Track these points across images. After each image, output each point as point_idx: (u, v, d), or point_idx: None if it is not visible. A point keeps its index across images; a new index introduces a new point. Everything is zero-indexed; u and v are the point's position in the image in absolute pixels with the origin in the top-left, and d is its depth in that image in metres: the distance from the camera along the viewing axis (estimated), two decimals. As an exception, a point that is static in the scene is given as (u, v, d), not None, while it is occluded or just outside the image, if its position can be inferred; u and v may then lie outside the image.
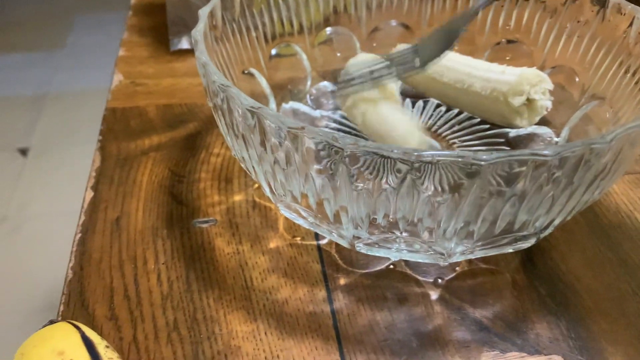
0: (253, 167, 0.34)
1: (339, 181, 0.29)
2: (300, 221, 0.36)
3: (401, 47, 0.49)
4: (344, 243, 0.34)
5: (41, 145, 1.83)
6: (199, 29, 0.36)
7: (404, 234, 0.31)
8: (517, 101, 0.43)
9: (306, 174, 0.30)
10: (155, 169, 0.43)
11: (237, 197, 0.41)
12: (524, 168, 0.27)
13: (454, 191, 0.28)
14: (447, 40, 0.41)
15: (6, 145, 1.81)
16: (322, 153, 0.28)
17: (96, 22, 2.45)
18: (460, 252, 0.33)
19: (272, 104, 0.47)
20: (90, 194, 0.41)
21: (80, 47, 2.31)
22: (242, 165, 0.36)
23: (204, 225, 0.39)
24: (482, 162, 0.26)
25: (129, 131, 0.47)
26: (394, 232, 0.31)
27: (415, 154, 0.26)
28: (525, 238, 0.33)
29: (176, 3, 0.56)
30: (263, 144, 0.31)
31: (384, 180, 0.28)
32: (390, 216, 0.30)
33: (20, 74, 2.17)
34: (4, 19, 2.45)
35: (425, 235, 0.31)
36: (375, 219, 0.31)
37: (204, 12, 0.38)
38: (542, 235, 0.33)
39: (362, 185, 0.29)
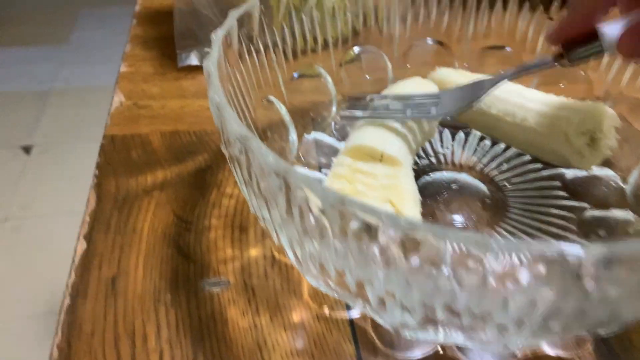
0: (275, 230, 0.28)
1: (392, 265, 0.23)
2: (331, 294, 0.30)
3: (439, 72, 0.43)
4: (385, 325, 0.28)
5: (45, 143, 1.78)
6: (213, 59, 0.30)
7: (466, 324, 0.26)
8: (580, 141, 0.37)
9: (347, 251, 0.24)
10: (158, 213, 0.37)
11: (253, 252, 0.35)
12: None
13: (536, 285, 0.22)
14: (468, 98, 0.36)
15: (9, 143, 1.76)
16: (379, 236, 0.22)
17: (101, 17, 2.40)
18: (526, 342, 0.27)
19: (293, 134, 0.41)
20: (82, 246, 0.35)
21: (84, 42, 2.26)
22: (261, 224, 0.30)
23: (215, 289, 0.33)
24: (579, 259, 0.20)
25: (129, 164, 0.41)
26: (453, 324, 0.26)
27: (495, 244, 0.20)
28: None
29: (184, 13, 0.50)
30: (290, 210, 0.25)
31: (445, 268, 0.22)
32: (453, 308, 0.24)
33: (23, 69, 2.12)
34: (7, 14, 2.40)
35: (493, 330, 0.25)
36: (432, 308, 0.25)
37: (218, 36, 0.32)
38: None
39: (420, 270, 0.23)
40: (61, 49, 2.25)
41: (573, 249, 0.20)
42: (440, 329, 0.27)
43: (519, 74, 0.35)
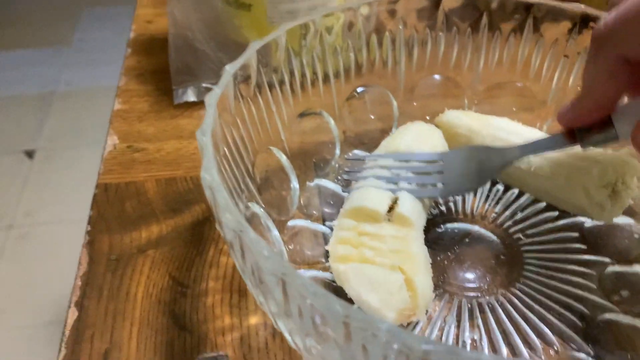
0: (274, 319, 0.26)
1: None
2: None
3: (448, 115, 0.41)
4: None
5: (48, 147, 1.77)
6: (206, 130, 0.28)
7: None
8: (601, 193, 0.34)
9: (351, 355, 0.22)
10: (153, 276, 0.36)
11: (253, 320, 0.33)
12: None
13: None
14: (477, 179, 0.35)
15: (12, 148, 1.75)
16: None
17: (103, 17, 2.37)
18: None
19: (294, 182, 0.39)
20: (74, 314, 0.33)
21: (87, 43, 2.24)
22: (257, 303, 0.28)
23: (213, 365, 0.31)
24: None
25: (123, 218, 0.39)
26: None
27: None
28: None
29: (180, 48, 0.48)
30: (289, 308, 0.23)
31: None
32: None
33: (25, 72, 2.10)
34: (8, 15, 2.38)
35: None
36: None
37: (212, 99, 0.30)
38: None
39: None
40: (63, 51, 2.23)
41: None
42: None
43: (529, 152, 0.34)
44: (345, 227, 0.33)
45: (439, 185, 0.34)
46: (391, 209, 0.34)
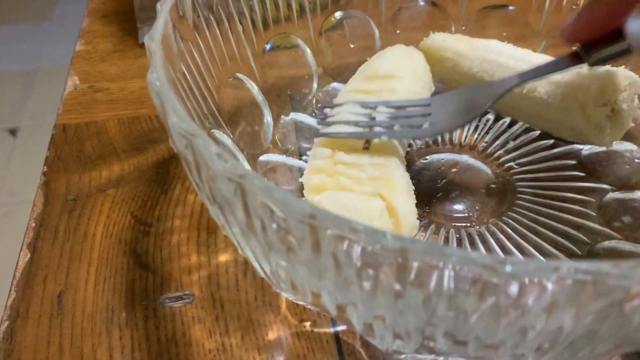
0: (237, 242, 0.23)
1: (378, 289, 0.18)
2: (312, 308, 0.25)
3: (433, 38, 0.38)
4: (375, 344, 0.24)
5: (32, 125, 1.72)
6: (156, 34, 0.24)
7: (473, 354, 0.21)
8: (600, 113, 0.32)
9: (321, 271, 0.19)
10: (113, 215, 0.32)
11: (223, 257, 0.30)
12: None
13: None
14: (465, 114, 0.29)
15: (-6, 126, 1.71)
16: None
17: (84, -10, 2.30)
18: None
19: (268, 116, 0.36)
20: (25, 256, 0.30)
21: (68, 18, 2.17)
22: (222, 232, 0.25)
23: (177, 305, 0.28)
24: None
25: (82, 158, 0.36)
26: (457, 352, 0.21)
27: (511, 268, 0.15)
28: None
29: (144, -18, 0.44)
30: (251, 222, 0.20)
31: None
32: (458, 337, 0.19)
33: (6, 48, 2.04)
34: (-15, -10, 2.31)
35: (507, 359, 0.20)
36: (431, 336, 0.20)
37: (165, 6, 0.26)
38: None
39: (413, 296, 0.18)
40: (44, 26, 2.17)
41: (615, 271, 0.15)
42: (442, 358, 0.22)
43: (529, 79, 0.29)
44: (320, 156, 0.30)
45: (426, 125, 0.30)
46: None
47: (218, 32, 0.32)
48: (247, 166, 0.32)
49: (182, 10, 0.28)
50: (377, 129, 0.30)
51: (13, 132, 1.68)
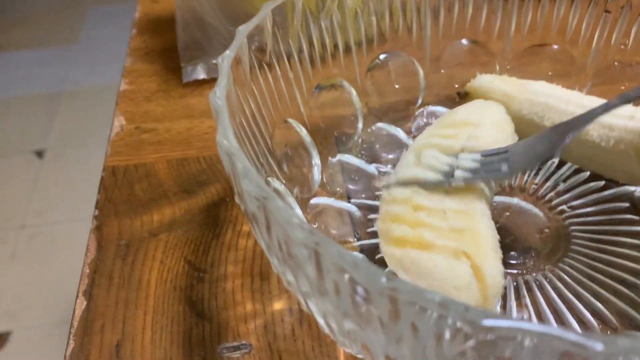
0: (304, 300, 0.23)
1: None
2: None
3: (480, 80, 0.38)
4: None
5: (58, 146, 1.76)
6: (221, 93, 0.25)
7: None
8: (655, 157, 0.31)
9: (400, 340, 0.19)
10: (167, 261, 0.33)
11: (277, 305, 0.30)
12: None
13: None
14: (546, 149, 0.28)
15: (21, 148, 1.74)
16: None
17: (110, 14, 2.35)
18: None
19: (316, 158, 0.36)
20: (82, 304, 0.31)
21: (94, 41, 2.22)
22: (284, 284, 0.25)
23: (235, 355, 0.28)
24: None
25: (133, 201, 0.36)
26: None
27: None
28: None
29: (188, 23, 0.45)
30: (323, 285, 0.20)
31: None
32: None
33: (33, 72, 2.09)
34: (14, 16, 2.37)
35: None
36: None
37: (225, 62, 0.27)
38: None
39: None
40: (71, 49, 2.21)
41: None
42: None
43: (614, 107, 0.28)
44: (397, 200, 0.29)
45: (504, 168, 0.29)
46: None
47: (270, 77, 0.32)
48: (299, 211, 0.32)
49: (240, 60, 0.29)
50: (458, 172, 0.29)
51: (39, 154, 1.71)
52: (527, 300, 0.29)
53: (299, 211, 0.32)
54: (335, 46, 0.37)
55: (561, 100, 0.34)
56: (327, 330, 0.24)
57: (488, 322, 0.16)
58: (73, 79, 2.06)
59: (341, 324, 0.21)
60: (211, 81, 0.46)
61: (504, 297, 0.29)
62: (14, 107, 1.90)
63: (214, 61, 0.46)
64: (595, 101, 0.34)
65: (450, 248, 0.26)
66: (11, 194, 1.55)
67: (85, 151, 1.71)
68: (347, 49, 0.38)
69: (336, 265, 0.18)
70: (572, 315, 0.28)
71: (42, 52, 2.16)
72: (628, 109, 0.33)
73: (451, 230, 0.27)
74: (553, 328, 0.16)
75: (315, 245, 0.19)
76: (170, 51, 0.50)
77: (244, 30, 0.29)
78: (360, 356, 0.25)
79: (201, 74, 0.46)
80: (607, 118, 0.33)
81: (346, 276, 0.18)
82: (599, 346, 0.16)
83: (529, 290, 0.30)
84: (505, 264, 0.31)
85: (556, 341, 0.16)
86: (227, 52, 0.28)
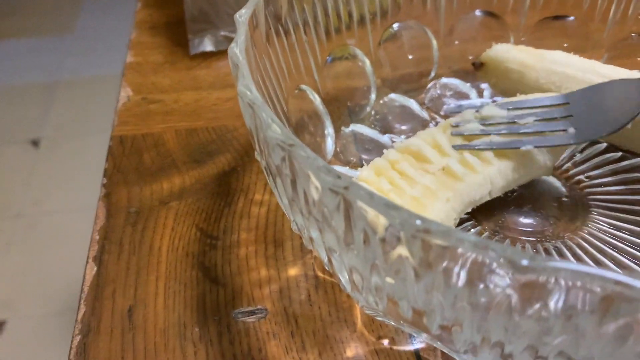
0: (328, 256, 0.23)
1: (497, 308, 0.18)
2: (394, 324, 0.24)
3: (495, 49, 0.37)
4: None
5: (54, 136, 1.74)
6: (240, 46, 0.24)
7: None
8: (676, 125, 0.31)
9: (431, 288, 0.19)
10: (178, 228, 0.32)
11: (292, 271, 0.30)
12: None
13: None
14: (613, 118, 0.27)
15: (17, 137, 1.73)
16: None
17: (106, 3, 2.33)
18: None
19: (329, 127, 0.35)
20: (92, 270, 0.30)
21: (90, 30, 2.20)
22: (306, 245, 0.25)
23: (251, 320, 0.28)
24: None
25: (142, 170, 0.36)
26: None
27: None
28: None
29: (196, -7, 0.44)
30: (351, 235, 0.20)
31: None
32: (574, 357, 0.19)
33: (28, 61, 2.07)
34: (9, 4, 2.35)
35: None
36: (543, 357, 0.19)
37: (244, 17, 0.26)
38: None
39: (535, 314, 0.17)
40: (67, 39, 2.20)
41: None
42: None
43: None
44: (385, 157, 0.29)
45: (570, 130, 0.28)
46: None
47: (286, 43, 0.32)
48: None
49: (256, 22, 0.28)
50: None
51: (35, 143, 1.69)
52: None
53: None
54: (350, 15, 0.37)
55: (579, 70, 0.34)
56: (349, 289, 0.23)
57: (527, 262, 0.16)
58: (70, 68, 2.05)
59: (368, 278, 0.21)
60: (219, 53, 0.45)
61: (524, 263, 0.29)
62: (10, 96, 1.88)
63: (222, 33, 0.45)
64: (614, 70, 0.34)
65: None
66: (7, 184, 1.54)
67: (81, 141, 1.69)
68: (362, 19, 0.37)
69: (366, 211, 0.18)
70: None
71: (38, 40, 2.14)
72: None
73: (409, 197, 0.27)
74: (595, 268, 0.15)
75: (345, 189, 0.18)
76: (176, 24, 0.49)
77: (260, -12, 0.28)
78: (380, 318, 0.25)
79: (208, 46, 0.45)
80: (626, 86, 0.32)
81: (381, 220, 0.18)
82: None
83: (550, 256, 0.29)
84: (524, 232, 0.31)
85: (598, 281, 0.16)
86: (244, 9, 0.27)
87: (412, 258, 0.18)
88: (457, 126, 0.31)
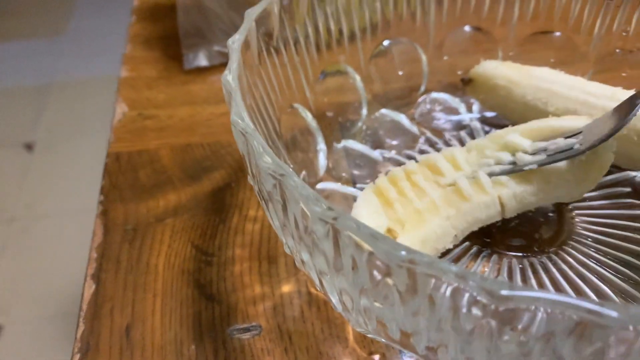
0: (318, 278, 0.23)
1: (477, 332, 0.18)
2: (382, 341, 0.25)
3: (484, 66, 0.38)
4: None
5: (47, 139, 1.74)
6: (233, 73, 0.25)
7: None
8: (657, 141, 0.32)
9: (417, 313, 0.20)
10: (174, 245, 0.33)
11: (286, 288, 0.30)
12: None
13: None
14: (618, 118, 0.28)
15: (10, 141, 1.72)
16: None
17: (99, 5, 2.33)
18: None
19: (321, 144, 0.36)
20: (90, 288, 0.31)
21: (83, 32, 2.20)
22: (298, 266, 0.25)
23: (245, 336, 0.28)
24: None
25: (138, 187, 0.36)
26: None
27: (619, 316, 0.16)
28: None
29: (189, 9, 0.45)
30: (340, 261, 0.20)
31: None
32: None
33: (21, 63, 2.07)
34: (1, 6, 2.34)
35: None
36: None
37: (236, 44, 0.27)
38: None
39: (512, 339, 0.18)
40: (59, 40, 2.19)
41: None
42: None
43: None
44: (405, 166, 0.31)
45: (576, 146, 0.29)
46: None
47: (277, 62, 0.32)
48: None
49: (249, 45, 0.29)
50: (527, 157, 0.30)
51: (29, 146, 1.69)
52: (533, 282, 0.30)
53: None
54: (340, 32, 0.38)
55: (565, 86, 0.35)
56: (340, 309, 0.24)
57: (506, 292, 0.16)
58: (63, 70, 2.04)
59: (357, 300, 0.21)
60: (213, 68, 0.46)
61: (510, 279, 0.30)
62: (2, 100, 1.88)
63: (216, 48, 0.46)
64: (599, 87, 0.35)
65: (393, 217, 0.28)
66: (0, 187, 1.54)
67: (75, 144, 1.69)
68: (352, 36, 0.38)
69: (354, 240, 0.19)
70: (577, 296, 0.29)
71: (30, 43, 2.14)
72: (628, 93, 0.33)
73: (413, 211, 0.28)
74: (569, 297, 0.16)
75: (333, 220, 0.19)
76: (169, 38, 0.49)
77: (252, 13, 0.29)
78: (371, 335, 0.26)
79: (203, 61, 0.46)
80: (610, 103, 0.33)
81: (365, 249, 0.18)
82: (613, 313, 0.16)
83: (535, 272, 0.30)
84: (512, 246, 0.32)
85: (572, 310, 0.16)
86: (237, 35, 0.28)
87: (398, 285, 0.19)
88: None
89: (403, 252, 0.18)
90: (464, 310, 0.18)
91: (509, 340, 0.18)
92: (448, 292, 0.18)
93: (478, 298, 0.17)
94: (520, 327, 0.18)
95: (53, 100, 1.91)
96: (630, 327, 0.16)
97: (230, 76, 0.25)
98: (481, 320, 0.18)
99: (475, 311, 0.18)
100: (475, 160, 0.30)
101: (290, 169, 0.20)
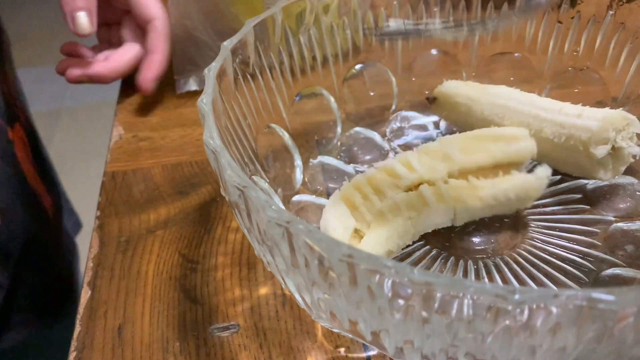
0: (281, 276, 0.27)
1: (408, 316, 0.22)
2: (346, 335, 0.28)
3: (447, 85, 0.41)
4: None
5: (56, 163, 1.78)
6: (207, 99, 0.28)
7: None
8: (601, 151, 0.35)
9: (358, 302, 0.23)
10: (163, 254, 0.36)
11: (263, 290, 0.34)
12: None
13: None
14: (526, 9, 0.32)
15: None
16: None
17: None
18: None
19: (298, 160, 0.40)
20: (86, 293, 0.34)
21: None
22: (265, 266, 0.29)
23: (225, 334, 0.31)
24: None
25: (131, 202, 0.40)
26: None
27: (520, 297, 0.19)
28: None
29: (180, 38, 0.49)
30: (295, 259, 0.24)
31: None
32: (477, 356, 0.23)
33: (31, 90, 2.12)
34: (10, 34, 2.40)
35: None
36: (454, 357, 0.23)
37: (211, 73, 0.30)
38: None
39: (438, 321, 0.21)
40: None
41: (605, 298, 0.18)
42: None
43: None
44: (365, 173, 0.34)
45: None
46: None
47: (254, 87, 0.36)
48: (282, 206, 0.36)
49: (224, 72, 0.32)
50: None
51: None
52: (486, 281, 0.33)
53: (282, 206, 0.35)
54: (314, 58, 0.41)
55: (519, 102, 0.38)
56: (301, 303, 0.27)
57: (423, 278, 0.19)
58: (70, 96, 2.11)
59: (312, 294, 0.25)
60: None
61: (465, 278, 0.33)
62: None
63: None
64: (550, 102, 0.38)
65: (362, 217, 0.32)
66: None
67: (83, 167, 1.74)
68: (325, 61, 0.42)
69: (304, 241, 0.22)
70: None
71: (40, 69, 2.20)
72: (576, 108, 0.36)
73: (376, 212, 0.32)
74: (473, 283, 0.19)
75: (287, 223, 0.22)
76: (164, 66, 0.53)
77: (228, 44, 0.33)
78: (336, 330, 0.29)
79: (193, 86, 0.50)
80: (558, 117, 0.36)
81: (314, 248, 0.22)
82: (516, 296, 0.19)
83: (488, 272, 0.33)
84: (469, 249, 0.35)
85: (485, 295, 0.19)
86: (213, 64, 0.31)
87: (340, 278, 0.22)
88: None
89: (344, 248, 0.21)
90: (399, 300, 0.21)
91: (435, 323, 0.21)
92: (387, 284, 0.21)
93: (401, 284, 0.20)
94: (440, 310, 0.21)
95: (62, 126, 1.96)
96: (526, 309, 0.19)
97: (204, 101, 0.28)
98: (408, 306, 0.21)
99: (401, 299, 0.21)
100: (426, 162, 0.34)
101: (251, 182, 0.24)
